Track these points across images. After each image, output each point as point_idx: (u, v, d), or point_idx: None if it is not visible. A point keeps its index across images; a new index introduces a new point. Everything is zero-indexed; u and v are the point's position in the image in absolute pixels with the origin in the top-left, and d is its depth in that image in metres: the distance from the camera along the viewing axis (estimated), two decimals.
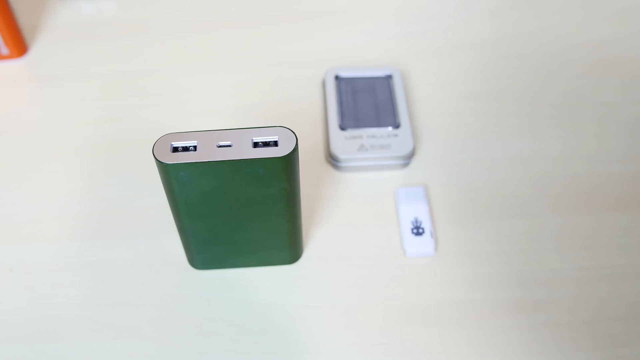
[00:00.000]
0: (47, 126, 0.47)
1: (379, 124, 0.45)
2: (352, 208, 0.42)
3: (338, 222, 0.41)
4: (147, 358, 0.36)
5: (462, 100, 0.49)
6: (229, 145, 0.31)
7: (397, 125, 0.45)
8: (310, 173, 0.44)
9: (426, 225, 0.40)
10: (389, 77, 0.48)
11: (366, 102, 0.46)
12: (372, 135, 0.44)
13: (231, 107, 0.48)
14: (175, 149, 0.31)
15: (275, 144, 0.31)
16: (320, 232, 0.41)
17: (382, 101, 0.46)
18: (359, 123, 0.45)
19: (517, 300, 0.38)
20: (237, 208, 0.33)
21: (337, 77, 0.48)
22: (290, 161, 0.31)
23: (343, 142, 0.44)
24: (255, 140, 0.31)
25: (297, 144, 0.31)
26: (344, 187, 0.43)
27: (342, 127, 0.45)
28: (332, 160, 0.44)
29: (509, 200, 0.42)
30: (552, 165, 0.44)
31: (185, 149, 0.31)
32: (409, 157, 0.44)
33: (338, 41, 0.53)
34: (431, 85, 0.49)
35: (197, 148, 0.31)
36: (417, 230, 0.40)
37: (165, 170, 0.31)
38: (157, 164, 0.30)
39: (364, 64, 0.51)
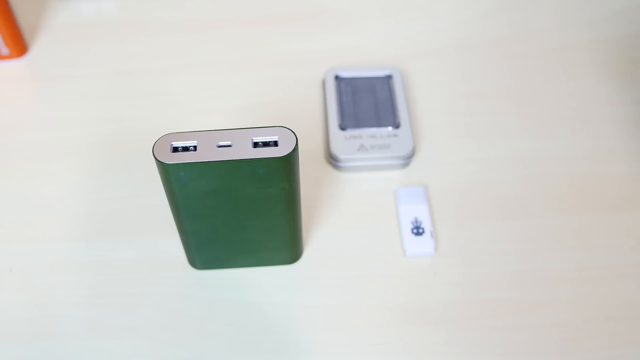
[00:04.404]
0: (47, 126, 0.47)
1: (379, 124, 0.45)
2: (352, 208, 0.42)
3: (338, 222, 0.41)
4: (147, 358, 0.36)
5: (462, 100, 0.49)
6: (229, 145, 0.31)
7: (397, 125, 0.45)
8: (310, 173, 0.44)
9: (426, 225, 0.40)
10: (389, 77, 0.48)
11: (366, 102, 0.46)
12: (372, 135, 0.44)
13: (231, 107, 0.48)
14: (175, 149, 0.31)
15: (275, 144, 0.31)
16: (320, 232, 0.41)
17: (382, 101, 0.46)
18: (359, 123, 0.45)
19: (517, 300, 0.38)
20: (237, 208, 0.33)
21: (337, 77, 0.48)
22: (290, 161, 0.31)
23: (343, 142, 0.44)
24: (255, 140, 0.31)
25: (297, 144, 0.31)
26: (344, 187, 0.43)
27: (342, 127, 0.45)
28: (332, 160, 0.44)
29: (509, 200, 0.42)
30: (552, 165, 0.44)
31: (185, 149, 0.31)
32: (409, 157, 0.44)
33: (338, 41, 0.53)
34: (431, 85, 0.49)
35: (197, 148, 0.31)
36: (417, 230, 0.40)
37: (165, 170, 0.31)
38: (157, 164, 0.30)
39: (364, 64, 0.51)
